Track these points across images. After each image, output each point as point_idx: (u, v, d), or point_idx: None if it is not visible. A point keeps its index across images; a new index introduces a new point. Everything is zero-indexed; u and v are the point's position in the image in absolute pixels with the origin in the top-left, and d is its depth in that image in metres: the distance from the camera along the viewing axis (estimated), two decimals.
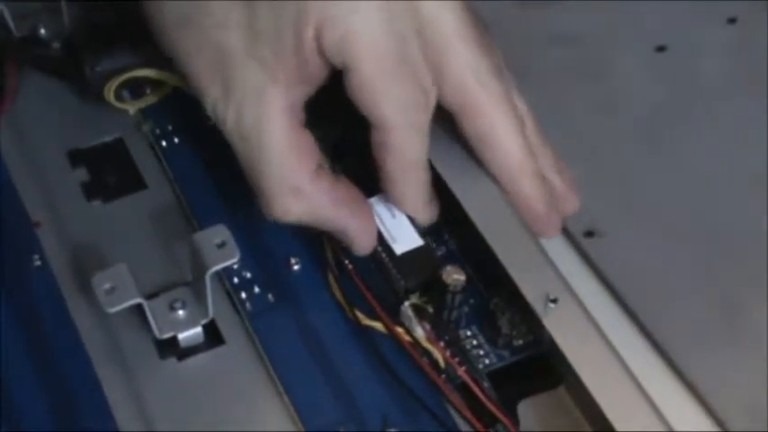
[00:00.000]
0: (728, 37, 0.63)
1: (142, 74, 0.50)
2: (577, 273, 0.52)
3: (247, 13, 0.43)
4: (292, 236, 0.47)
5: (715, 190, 0.56)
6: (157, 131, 0.51)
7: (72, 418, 0.43)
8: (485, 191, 0.46)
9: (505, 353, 0.45)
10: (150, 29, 0.46)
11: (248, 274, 0.47)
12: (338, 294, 0.45)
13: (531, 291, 0.43)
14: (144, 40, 0.46)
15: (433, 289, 0.45)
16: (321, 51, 0.42)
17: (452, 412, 0.43)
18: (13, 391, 0.43)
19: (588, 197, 0.49)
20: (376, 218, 0.46)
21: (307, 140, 0.44)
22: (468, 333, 0.45)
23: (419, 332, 0.44)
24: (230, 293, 0.46)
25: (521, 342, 0.44)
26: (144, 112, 0.52)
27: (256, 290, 0.46)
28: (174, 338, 0.44)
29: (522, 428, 0.43)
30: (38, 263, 0.47)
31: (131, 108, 0.52)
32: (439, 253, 0.47)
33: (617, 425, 0.40)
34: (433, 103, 0.44)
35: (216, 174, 0.49)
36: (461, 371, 0.43)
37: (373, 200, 0.46)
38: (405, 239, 0.46)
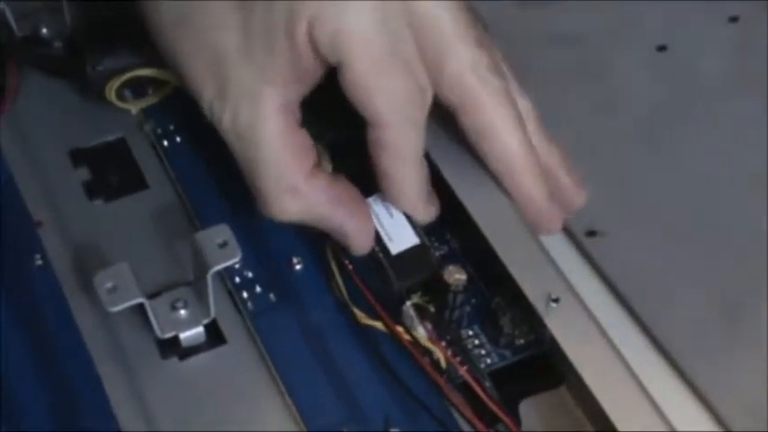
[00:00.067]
0: (729, 36, 0.63)
1: (144, 73, 0.50)
2: (579, 272, 0.52)
3: (241, 14, 0.43)
4: (294, 235, 0.47)
5: (715, 190, 0.56)
6: (159, 131, 0.51)
7: (73, 418, 0.43)
8: (486, 190, 0.46)
9: (507, 352, 0.45)
10: (147, 29, 0.46)
11: (250, 274, 0.47)
12: (339, 293, 0.45)
13: (533, 290, 0.43)
14: (145, 40, 0.46)
15: (435, 288, 0.45)
16: (315, 49, 0.42)
17: (454, 412, 0.43)
18: (15, 390, 0.43)
19: (589, 197, 0.49)
20: (373, 217, 0.46)
21: (303, 140, 0.44)
22: (470, 332, 0.45)
23: (421, 332, 0.44)
24: (232, 293, 0.46)
25: (522, 341, 0.45)
26: (146, 112, 0.52)
27: (258, 289, 0.46)
28: (176, 338, 0.44)
29: (523, 428, 0.43)
30: (39, 262, 0.47)
31: (133, 107, 0.52)
32: (440, 252, 0.47)
33: (618, 424, 0.40)
34: (429, 101, 0.44)
35: (218, 173, 0.49)
36: (463, 370, 0.43)
37: (371, 199, 0.46)
38: (401, 239, 0.46)
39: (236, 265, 0.46)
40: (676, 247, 0.54)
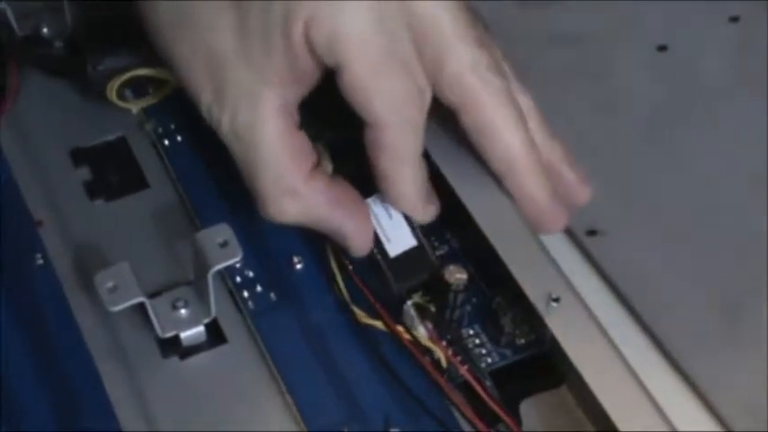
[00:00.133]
0: (729, 36, 0.63)
1: (145, 73, 0.50)
2: (579, 272, 0.52)
3: (238, 15, 0.43)
4: (295, 235, 0.47)
5: (715, 190, 0.56)
6: (160, 130, 0.51)
7: (74, 417, 0.43)
8: (487, 190, 0.46)
9: (508, 352, 0.45)
10: (145, 30, 0.46)
11: (250, 273, 0.47)
12: (340, 293, 0.45)
13: (534, 290, 0.43)
14: (145, 40, 0.46)
15: (436, 288, 0.45)
16: (312, 50, 0.42)
17: (455, 412, 0.43)
18: (16, 390, 0.43)
19: (590, 196, 0.49)
20: (372, 218, 0.46)
21: (301, 141, 0.44)
22: (471, 332, 0.45)
23: (421, 331, 0.44)
24: (232, 292, 0.46)
25: (523, 341, 0.45)
26: (146, 111, 0.52)
27: (259, 289, 0.46)
28: (177, 337, 0.44)
29: (524, 428, 0.43)
30: (40, 262, 0.47)
31: (134, 107, 0.52)
32: (441, 252, 0.47)
33: (619, 424, 0.40)
34: (428, 102, 0.44)
35: (218, 173, 0.49)
36: (464, 370, 0.44)
37: (370, 200, 0.46)
38: (400, 240, 0.46)
39: (237, 265, 0.46)
40: (676, 247, 0.54)
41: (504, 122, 0.45)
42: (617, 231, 0.54)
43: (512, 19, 0.63)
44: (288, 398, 0.43)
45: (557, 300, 0.43)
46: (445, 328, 0.45)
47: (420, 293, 0.45)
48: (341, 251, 0.46)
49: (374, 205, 0.46)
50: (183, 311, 0.44)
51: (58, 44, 0.51)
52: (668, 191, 0.56)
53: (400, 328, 0.44)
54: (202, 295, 0.44)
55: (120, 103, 0.51)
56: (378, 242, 0.46)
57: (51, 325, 0.45)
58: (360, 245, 0.45)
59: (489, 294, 0.46)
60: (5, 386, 0.43)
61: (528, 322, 0.44)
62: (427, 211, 0.46)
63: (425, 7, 0.43)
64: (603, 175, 0.53)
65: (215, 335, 0.45)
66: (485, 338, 0.45)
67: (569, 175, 0.48)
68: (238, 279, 0.46)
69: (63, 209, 0.49)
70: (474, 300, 0.46)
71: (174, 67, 0.45)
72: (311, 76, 0.44)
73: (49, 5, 0.51)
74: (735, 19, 0.63)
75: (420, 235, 0.46)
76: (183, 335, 0.44)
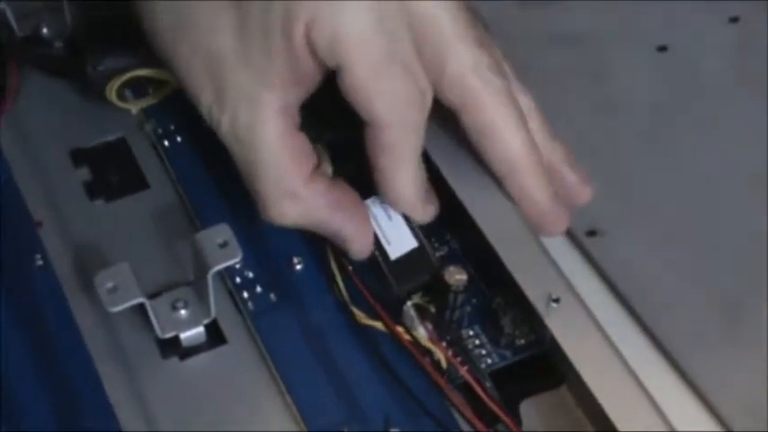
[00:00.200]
0: (729, 37, 0.63)
1: (144, 73, 0.50)
2: (579, 272, 0.52)
3: (237, 16, 0.43)
4: (295, 235, 0.47)
5: (715, 190, 0.56)
6: (160, 131, 0.51)
7: (74, 418, 0.43)
8: (487, 191, 0.46)
9: (507, 352, 0.45)
10: (144, 31, 0.46)
11: (250, 274, 0.47)
12: (339, 294, 0.45)
13: (533, 290, 0.43)
14: (145, 40, 0.46)
15: (436, 289, 0.45)
16: (312, 52, 0.42)
17: (454, 412, 0.43)
18: (15, 390, 0.43)
19: (591, 196, 0.49)
20: (372, 220, 0.46)
21: (302, 143, 0.44)
22: (471, 333, 0.45)
23: (421, 332, 0.44)
24: (232, 293, 0.46)
25: (523, 342, 0.45)
26: (146, 112, 0.52)
27: (258, 289, 0.46)
28: (176, 338, 0.44)
29: (524, 428, 0.43)
30: (40, 262, 0.47)
31: (134, 107, 0.52)
32: (441, 253, 0.47)
33: (619, 424, 0.40)
34: (429, 102, 0.44)
35: (218, 173, 0.49)
36: (463, 371, 0.44)
37: (369, 201, 0.46)
38: (400, 242, 0.46)
39: (237, 265, 0.46)
40: (676, 247, 0.54)
41: (505, 123, 0.45)
42: (617, 231, 0.54)
43: (512, 19, 0.63)
44: (288, 398, 0.43)
45: (556, 300, 0.43)
46: (445, 329, 0.45)
47: (420, 294, 0.45)
48: (341, 253, 0.46)
49: (373, 207, 0.46)
50: (182, 312, 0.44)
51: (58, 44, 0.51)
52: (668, 191, 0.56)
53: (400, 329, 0.44)
54: (202, 296, 0.44)
55: (120, 104, 0.51)
56: (378, 244, 0.46)
57: (51, 325, 0.45)
58: (360, 248, 0.45)
59: (489, 295, 0.46)
60: (5, 386, 0.43)
61: (528, 323, 0.44)
62: (426, 212, 0.46)
63: (425, 7, 0.43)
64: (603, 175, 0.53)
65: (215, 335, 0.45)
66: (485, 339, 0.45)
67: (570, 176, 0.47)
68: (238, 280, 0.46)
69: (63, 209, 0.49)
70: (474, 300, 0.46)
71: (174, 68, 0.45)
72: (312, 78, 0.44)
73: (49, 6, 0.51)
74: (735, 19, 0.63)
75: (420, 235, 0.46)
76: (183, 335, 0.44)
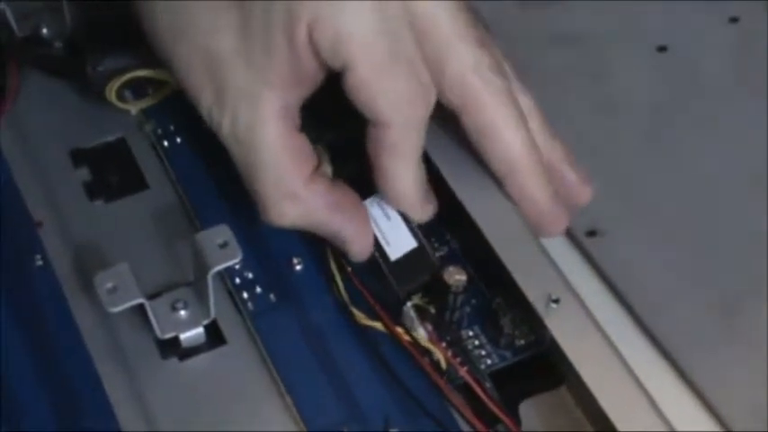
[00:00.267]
0: (729, 37, 0.63)
1: (144, 74, 0.50)
2: (579, 272, 0.52)
3: (238, 16, 0.43)
4: (294, 236, 0.47)
5: (715, 190, 0.56)
6: (159, 131, 0.51)
7: (73, 418, 0.43)
8: (487, 191, 0.46)
9: (507, 353, 0.45)
10: (144, 32, 0.46)
11: (250, 275, 0.47)
12: (339, 294, 0.45)
13: (533, 291, 0.43)
14: (145, 41, 0.46)
15: (435, 289, 0.45)
16: (315, 52, 0.42)
17: (454, 413, 0.43)
18: (15, 390, 0.43)
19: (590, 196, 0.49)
20: (371, 220, 0.46)
21: (302, 144, 0.44)
22: (470, 333, 0.45)
23: (421, 332, 0.44)
24: (232, 293, 0.46)
25: (522, 342, 0.45)
26: (146, 112, 0.52)
27: (258, 290, 0.46)
28: (176, 338, 0.44)
29: (523, 428, 0.43)
30: (40, 263, 0.47)
31: (133, 108, 0.52)
32: (441, 253, 0.47)
33: (618, 425, 0.40)
34: (432, 100, 0.44)
35: (218, 174, 0.49)
36: (463, 371, 0.44)
37: (367, 202, 0.46)
38: (399, 242, 0.46)
39: (237, 266, 0.46)
40: (676, 247, 0.54)
41: (505, 122, 0.45)
42: (617, 232, 0.54)
43: (512, 19, 0.63)
44: (287, 398, 0.43)
45: (556, 301, 0.43)
46: (445, 330, 0.45)
47: (420, 295, 0.45)
48: (341, 254, 0.46)
49: (371, 207, 0.46)
50: (182, 312, 0.44)
51: (58, 45, 0.51)
52: (668, 191, 0.56)
53: (400, 330, 0.44)
54: (202, 296, 0.44)
55: (120, 104, 0.51)
56: (378, 246, 0.46)
57: (51, 326, 0.45)
58: (359, 249, 0.45)
59: (489, 295, 0.46)
60: (5, 386, 0.43)
61: (527, 323, 0.44)
62: (426, 211, 0.46)
63: (426, 7, 0.43)
64: (603, 175, 0.53)
65: (214, 336, 0.45)
66: (484, 340, 0.45)
67: (570, 176, 0.47)
68: (238, 280, 0.46)
69: (63, 210, 0.49)
70: (473, 301, 0.46)
71: (174, 68, 0.45)
72: (313, 78, 0.44)
73: (49, 6, 0.51)
74: (735, 19, 0.63)
75: (420, 234, 0.46)
76: (183, 336, 0.44)
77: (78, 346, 0.44)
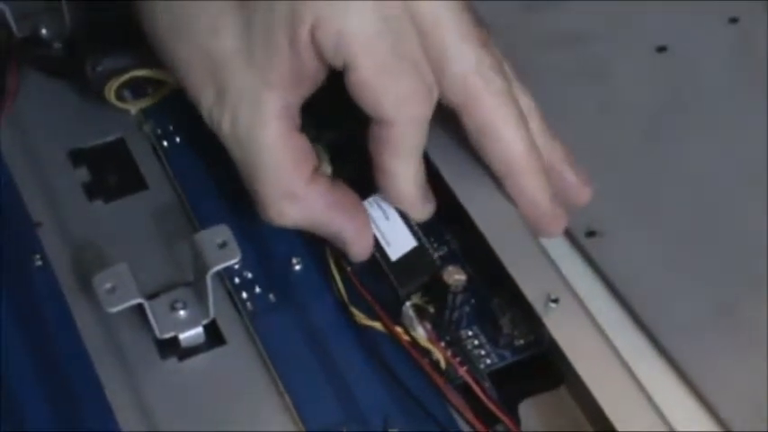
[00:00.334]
0: (729, 37, 0.63)
1: (143, 74, 0.50)
2: (578, 272, 0.52)
3: (239, 16, 0.43)
4: (294, 236, 0.47)
5: (715, 190, 0.56)
6: (159, 131, 0.51)
7: (73, 418, 0.43)
8: (486, 191, 0.46)
9: (506, 353, 0.45)
10: (144, 32, 0.46)
11: (249, 275, 0.47)
12: (339, 294, 0.45)
13: (532, 291, 0.43)
14: (145, 41, 0.46)
15: (435, 289, 0.45)
16: (318, 52, 0.42)
17: (453, 412, 0.43)
18: (15, 390, 0.43)
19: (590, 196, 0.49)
20: (371, 221, 0.46)
21: (302, 144, 0.44)
22: (470, 333, 0.45)
23: (420, 332, 0.44)
24: (231, 293, 0.46)
25: (522, 342, 0.45)
26: (145, 112, 0.52)
27: (257, 290, 0.46)
28: (175, 338, 0.44)
29: (523, 428, 0.43)
30: (39, 263, 0.47)
31: (133, 108, 0.52)
32: (440, 253, 0.47)
33: (618, 425, 0.40)
34: (435, 98, 0.44)
35: (217, 174, 0.49)
36: (462, 371, 0.43)
37: (367, 202, 0.46)
38: (399, 242, 0.46)
39: (236, 266, 0.46)
40: (676, 247, 0.54)
41: (506, 123, 0.45)
42: (616, 232, 0.54)
43: (512, 19, 0.63)
44: (287, 398, 0.43)
45: (555, 300, 0.43)
46: (444, 330, 0.45)
47: (419, 294, 0.45)
48: (341, 255, 0.46)
49: (370, 208, 0.46)
50: (181, 312, 0.44)
51: (57, 45, 0.51)
52: (668, 191, 0.56)
53: (399, 330, 0.44)
54: (201, 296, 0.44)
55: (119, 104, 0.51)
56: (378, 246, 0.46)
57: (50, 326, 0.45)
58: (359, 250, 0.45)
59: (488, 295, 0.46)
60: (5, 386, 0.43)
61: (527, 323, 0.44)
62: (425, 209, 0.46)
63: (428, 7, 0.43)
64: (603, 175, 0.53)
65: (214, 336, 0.45)
66: (483, 339, 0.45)
67: (570, 176, 0.47)
68: (237, 280, 0.46)
69: (62, 210, 0.49)
70: (473, 301, 0.46)
71: (174, 69, 0.45)
72: (314, 78, 0.44)
73: (48, 6, 0.51)
74: (735, 19, 0.63)
75: (420, 234, 0.46)
76: (182, 336, 0.44)
77: (78, 346, 0.44)
